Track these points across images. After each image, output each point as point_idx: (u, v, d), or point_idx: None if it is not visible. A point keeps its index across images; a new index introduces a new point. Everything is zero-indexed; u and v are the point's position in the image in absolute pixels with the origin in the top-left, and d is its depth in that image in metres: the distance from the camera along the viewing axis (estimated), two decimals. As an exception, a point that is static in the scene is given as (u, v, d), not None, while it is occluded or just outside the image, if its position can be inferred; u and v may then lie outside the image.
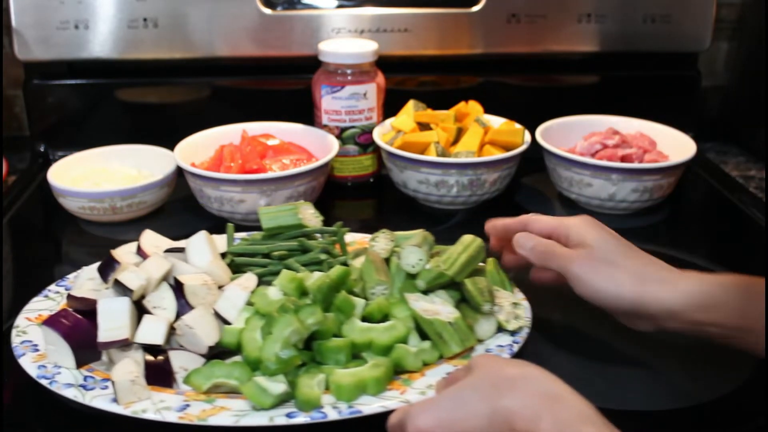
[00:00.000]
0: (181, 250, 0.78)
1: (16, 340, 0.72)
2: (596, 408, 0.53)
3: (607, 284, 0.68)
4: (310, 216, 0.85)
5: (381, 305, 0.73)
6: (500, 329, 0.74)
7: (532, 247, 0.74)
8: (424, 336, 0.71)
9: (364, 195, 1.17)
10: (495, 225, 0.81)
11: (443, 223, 1.05)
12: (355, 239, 0.89)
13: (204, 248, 0.77)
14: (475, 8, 1.20)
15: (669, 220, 1.08)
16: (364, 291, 0.76)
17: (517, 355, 0.71)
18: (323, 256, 0.80)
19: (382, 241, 0.80)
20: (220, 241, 0.85)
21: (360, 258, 0.81)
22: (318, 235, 0.85)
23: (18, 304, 0.85)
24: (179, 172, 1.04)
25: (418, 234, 0.79)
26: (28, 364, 0.69)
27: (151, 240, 0.80)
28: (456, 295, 0.75)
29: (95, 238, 1.02)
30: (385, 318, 0.73)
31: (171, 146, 1.07)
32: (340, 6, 1.20)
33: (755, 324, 0.63)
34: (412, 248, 0.75)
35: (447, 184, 1.03)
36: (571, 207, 1.08)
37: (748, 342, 0.64)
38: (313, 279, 0.73)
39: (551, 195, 1.13)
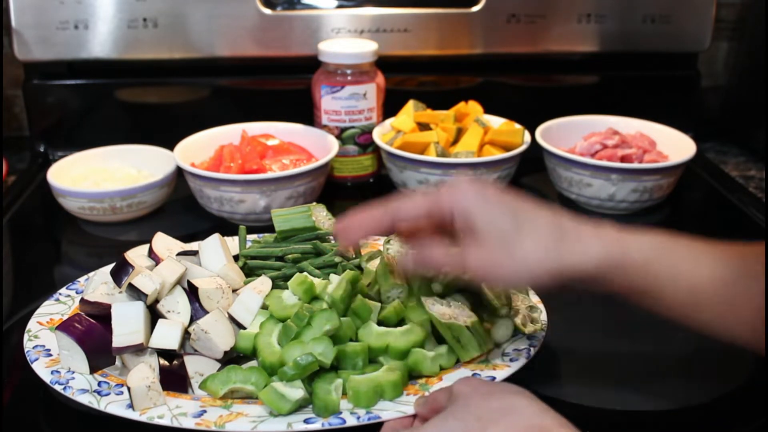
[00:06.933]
0: (193, 253, 0.78)
1: (28, 344, 0.71)
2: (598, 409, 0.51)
3: (517, 275, 0.60)
4: (323, 218, 0.85)
5: (397, 309, 0.72)
6: (516, 333, 0.73)
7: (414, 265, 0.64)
8: (440, 340, 0.70)
9: (364, 195, 1.17)
10: (361, 225, 0.66)
11: (443, 223, 1.05)
12: (367, 241, 0.89)
13: (217, 251, 0.76)
14: (475, 8, 1.20)
15: (669, 220, 1.08)
16: (379, 294, 0.75)
17: (533, 359, 0.70)
18: (337, 259, 0.79)
19: (396, 244, 0.79)
20: (232, 244, 0.84)
21: (374, 261, 0.80)
22: (331, 237, 0.84)
23: (18, 304, 0.86)
24: (179, 172, 1.04)
25: None
26: (41, 369, 0.68)
27: (163, 242, 0.79)
28: (472, 298, 0.74)
29: (95, 238, 1.02)
30: (401, 322, 0.72)
31: (171, 146, 1.07)
32: (340, 6, 1.20)
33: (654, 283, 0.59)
34: None
35: (447, 184, 1.03)
36: (571, 207, 1.08)
37: (645, 303, 0.60)
38: (333, 287, 0.72)
39: (551, 195, 1.13)
